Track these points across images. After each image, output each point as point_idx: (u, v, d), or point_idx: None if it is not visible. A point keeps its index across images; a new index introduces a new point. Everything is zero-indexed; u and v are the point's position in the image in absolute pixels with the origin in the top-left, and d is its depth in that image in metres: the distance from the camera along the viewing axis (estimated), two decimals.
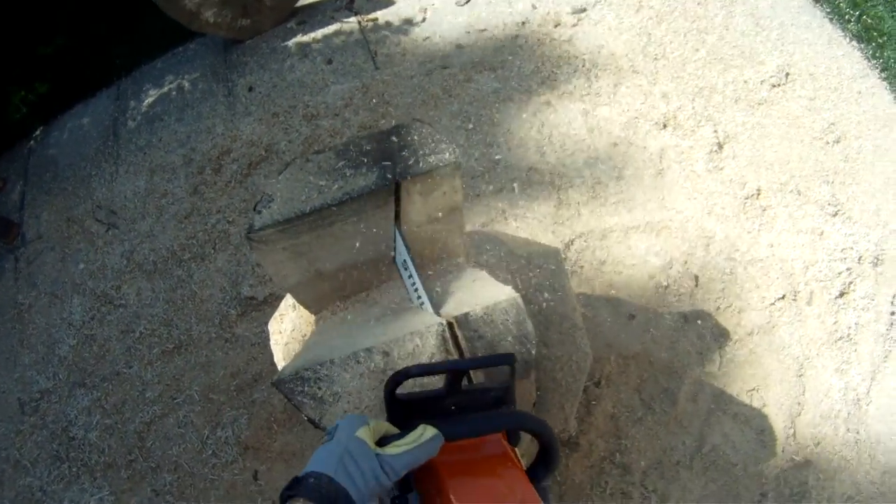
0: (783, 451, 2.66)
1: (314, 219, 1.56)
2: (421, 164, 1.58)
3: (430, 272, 1.73)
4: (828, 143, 3.32)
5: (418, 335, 1.34)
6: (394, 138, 1.66)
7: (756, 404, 2.75)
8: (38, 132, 4.80)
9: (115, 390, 3.45)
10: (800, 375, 2.80)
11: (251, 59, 4.54)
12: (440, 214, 1.64)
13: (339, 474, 0.91)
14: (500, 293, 1.39)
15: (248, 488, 3.01)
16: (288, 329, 2.31)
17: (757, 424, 2.72)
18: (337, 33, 4.48)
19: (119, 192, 4.21)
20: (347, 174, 1.61)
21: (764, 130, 3.40)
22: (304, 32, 4.56)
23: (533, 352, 1.33)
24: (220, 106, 4.38)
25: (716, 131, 3.42)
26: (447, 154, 1.57)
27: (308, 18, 4.63)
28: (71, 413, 3.44)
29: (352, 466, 0.92)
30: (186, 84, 4.61)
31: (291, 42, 4.54)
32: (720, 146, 3.38)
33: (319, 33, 4.52)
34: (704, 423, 2.73)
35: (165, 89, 4.65)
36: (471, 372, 1.34)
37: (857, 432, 2.71)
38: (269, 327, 2.45)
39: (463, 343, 1.34)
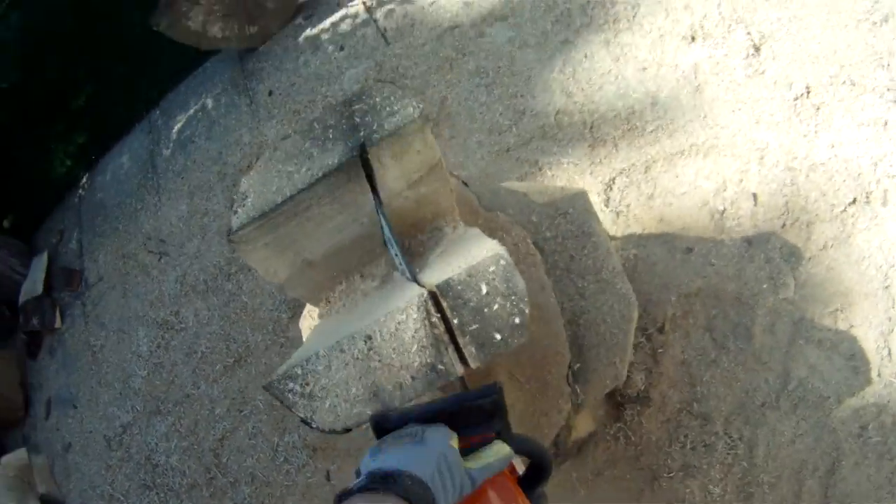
0: (879, 376, 2.33)
1: (289, 207, 1.45)
2: (386, 126, 1.43)
3: (422, 238, 1.58)
4: (875, 23, 2.87)
5: (399, 312, 1.21)
6: (356, 106, 1.52)
7: (842, 326, 2.43)
8: (84, 180, 4.99)
9: (187, 412, 3.52)
10: (886, 287, 2.43)
11: (267, 64, 4.50)
12: (419, 175, 1.49)
13: (434, 482, 0.85)
14: (483, 250, 1.23)
15: (322, 489, 2.99)
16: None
17: (846, 349, 2.39)
18: (344, 18, 4.36)
19: (165, 219, 4.30)
20: (314, 154, 1.49)
21: (802, 23, 3.00)
22: (313, 25, 4.47)
23: (526, 311, 1.16)
24: (244, 116, 4.37)
25: (749, 33, 3.06)
26: (410, 109, 1.42)
27: (314, 11, 4.53)
28: (151, 441, 3.55)
29: (446, 475, 0.88)
30: (210, 102, 4.64)
31: (302, 38, 4.47)
32: (757, 49, 3.02)
33: (327, 23, 4.41)
34: (787, 356, 2.44)
35: (192, 111, 4.69)
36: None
37: None
38: (301, 325, 2.39)
39: (448, 313, 1.19)
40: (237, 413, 3.37)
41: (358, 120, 1.48)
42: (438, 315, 1.20)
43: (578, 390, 1.80)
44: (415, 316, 1.20)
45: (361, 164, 1.44)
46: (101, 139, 5.04)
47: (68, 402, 4.09)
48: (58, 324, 4.43)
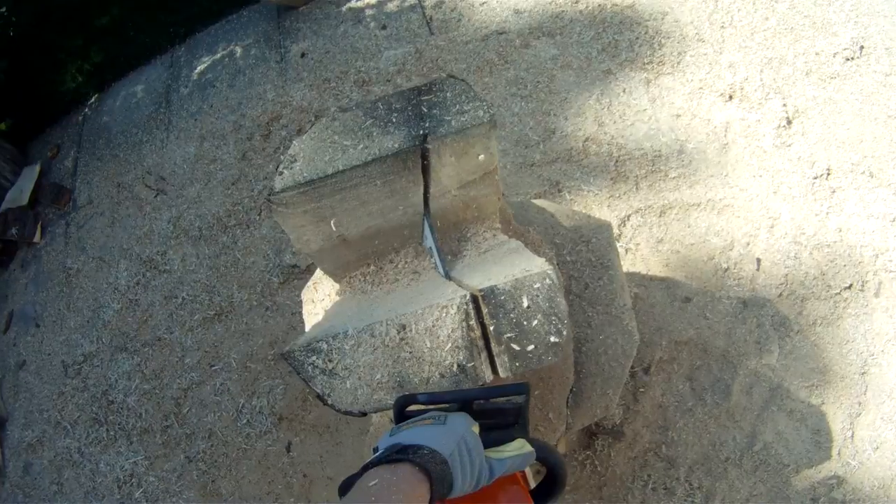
0: (839, 454, 2.42)
1: (338, 181, 1.46)
2: (453, 124, 1.44)
3: (459, 238, 1.60)
4: None
5: (438, 308, 1.22)
6: (425, 96, 1.53)
7: (815, 401, 2.52)
8: (92, 100, 4.89)
9: (155, 356, 3.48)
10: (863, 373, 2.53)
11: (304, 26, 4.47)
12: (474, 178, 1.51)
13: (453, 460, 0.87)
14: (532, 265, 1.25)
15: (280, 459, 2.99)
16: (321, 298, 2.22)
17: (813, 423, 2.48)
18: None
19: (169, 158, 4.24)
20: (374, 133, 1.50)
21: (836, 106, 3.09)
22: None
23: (564, 332, 1.19)
24: (271, 72, 4.34)
25: (785, 105, 3.14)
26: (481, 112, 1.43)
27: None
28: (112, 377, 3.50)
29: (465, 457, 0.90)
30: (239, 51, 4.59)
31: (345, 8, 4.45)
32: (789, 121, 3.11)
33: None
34: (758, 419, 2.52)
35: (218, 56, 4.64)
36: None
37: None
38: (303, 296, 2.37)
39: (486, 319, 1.21)
40: (207, 367, 3.34)
41: (425, 110, 1.49)
42: (477, 319, 1.22)
43: (569, 414, 1.83)
44: (454, 315, 1.22)
45: (420, 154, 1.45)
46: (118, 63, 4.94)
47: (31, 320, 4.00)
48: (37, 238, 4.33)
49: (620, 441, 2.56)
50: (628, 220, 3.06)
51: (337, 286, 1.74)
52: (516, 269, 1.28)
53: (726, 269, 2.87)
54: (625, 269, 2.93)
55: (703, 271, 2.89)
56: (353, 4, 4.43)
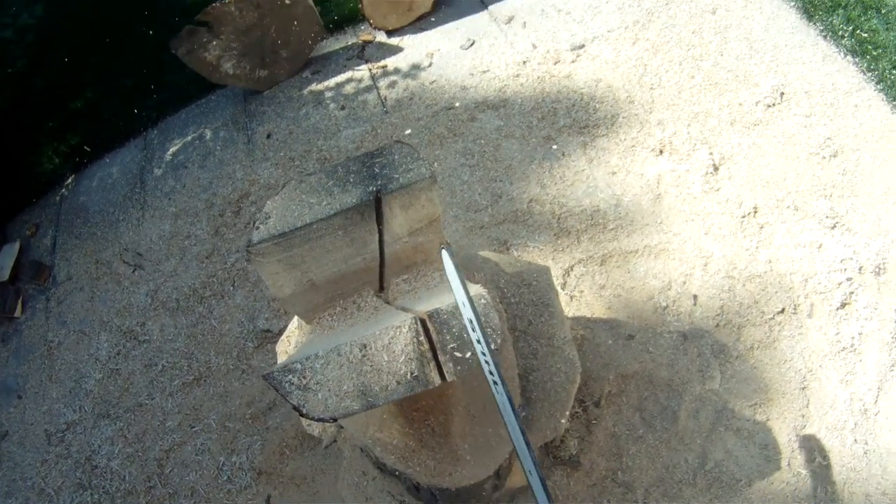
0: (789, 465, 2.65)
1: (305, 232, 1.71)
2: (401, 180, 1.72)
3: (409, 279, 1.85)
4: (824, 157, 3.40)
5: (393, 328, 1.46)
6: (377, 159, 1.81)
7: (759, 419, 2.76)
8: (69, 181, 5.09)
9: (137, 420, 3.59)
10: (803, 388, 2.80)
11: (269, 108, 4.81)
12: (421, 226, 1.78)
13: None
14: (470, 291, 1.50)
15: None
16: (293, 349, 2.44)
17: (760, 439, 2.72)
18: (349, 80, 4.75)
19: (145, 235, 4.44)
20: (335, 192, 1.76)
21: (760, 150, 3.49)
22: (319, 81, 4.84)
23: (499, 340, 1.43)
24: (240, 153, 4.63)
25: (711, 154, 3.53)
26: (423, 169, 1.72)
27: (322, 67, 4.91)
28: (95, 443, 3.59)
29: None
30: (209, 133, 4.90)
31: (306, 91, 4.82)
32: (716, 168, 3.48)
33: (333, 81, 4.79)
34: (707, 440, 2.75)
35: (189, 138, 4.93)
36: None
37: (866, 443, 2.70)
38: (277, 348, 2.59)
39: (433, 335, 1.46)
40: (188, 428, 3.47)
41: (377, 171, 1.77)
42: (426, 335, 1.46)
43: None
44: (406, 333, 1.46)
45: (374, 206, 1.72)
46: (94, 146, 5.18)
47: (13, 392, 4.06)
48: (17, 313, 4.42)
49: (578, 470, 2.75)
50: (572, 269, 3.35)
51: (307, 329, 1.97)
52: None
53: (665, 307, 3.15)
54: (570, 314, 3.20)
55: (643, 310, 3.17)
56: (313, 87, 4.80)
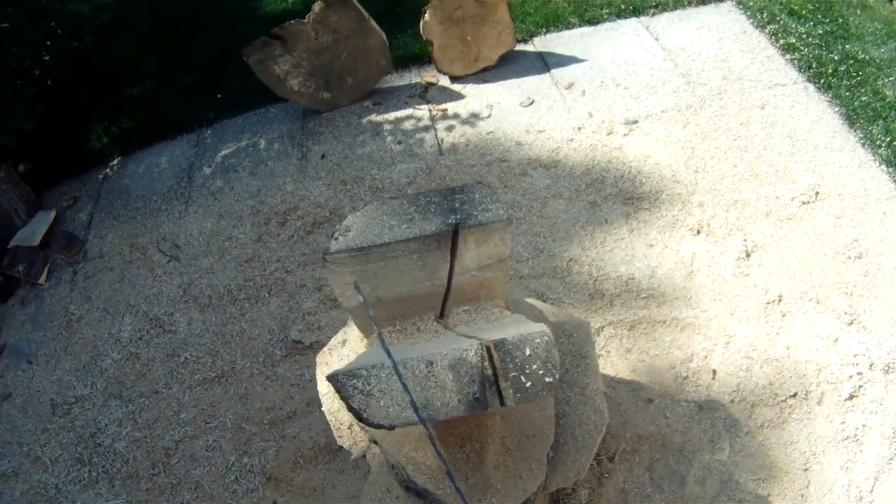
0: None
1: (382, 250, 1.84)
2: (479, 217, 1.86)
3: (469, 310, 1.98)
4: (850, 258, 3.55)
5: (460, 351, 1.58)
6: (458, 195, 1.96)
7: (762, 493, 2.85)
8: (115, 162, 5.26)
9: (150, 407, 3.66)
10: (805, 469, 2.90)
11: (326, 130, 5.01)
12: (490, 262, 1.91)
13: None
14: (535, 327, 1.63)
15: None
16: (335, 362, 2.55)
17: None
18: (408, 117, 4.95)
19: (185, 229, 4.59)
20: (415, 218, 1.91)
21: (790, 243, 3.65)
22: (379, 113, 5.05)
23: (556, 375, 1.55)
24: (292, 167, 4.81)
25: (745, 240, 3.68)
26: (501, 212, 1.86)
27: (383, 101, 5.13)
28: (102, 421, 3.65)
29: None
30: (263, 143, 5.09)
31: (365, 120, 5.02)
32: (748, 254, 3.63)
33: (392, 115, 5.00)
34: None
35: (243, 144, 5.13)
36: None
37: None
38: (318, 359, 2.70)
39: (497, 363, 1.57)
40: (202, 423, 3.54)
41: (457, 205, 1.91)
42: (490, 362, 1.58)
43: (548, 472, 2.13)
44: (472, 356, 1.57)
45: (451, 238, 1.86)
46: (145, 133, 5.38)
47: (24, 356, 4.12)
48: (42, 280, 4.50)
49: None
50: (602, 330, 3.47)
51: (353, 352, 2.09)
52: (520, 329, 1.65)
53: (685, 377, 3.26)
54: None
55: (665, 377, 3.28)
56: (372, 118, 5.01)
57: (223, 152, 5.12)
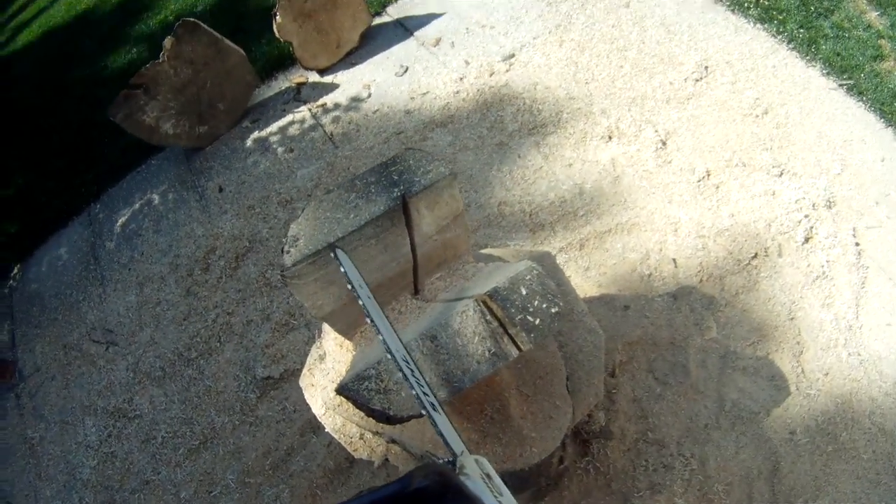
0: (797, 389, 2.86)
1: (339, 246, 1.75)
2: (422, 181, 1.79)
3: (448, 277, 1.92)
4: (757, 116, 3.70)
5: (458, 314, 1.52)
6: (392, 167, 1.87)
7: (760, 354, 2.96)
8: (15, 271, 4.88)
9: (147, 499, 3.44)
10: (791, 319, 3.03)
11: (215, 163, 4.77)
12: (447, 222, 1.84)
13: None
14: (519, 266, 1.58)
15: None
16: (320, 379, 2.44)
17: (767, 372, 2.91)
18: (291, 123, 4.77)
19: (111, 310, 4.29)
20: (360, 204, 1.81)
21: (699, 120, 3.76)
22: (260, 129, 4.84)
23: (561, 304, 1.51)
24: (194, 210, 4.56)
25: (656, 131, 3.76)
26: (442, 168, 1.79)
27: (261, 115, 4.92)
28: None
29: None
30: (156, 197, 4.80)
31: (249, 140, 4.80)
32: (664, 143, 3.71)
33: (275, 126, 4.80)
34: (719, 384, 2.91)
35: (137, 206, 4.81)
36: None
37: (859, 354, 2.94)
38: (301, 383, 2.57)
39: (499, 312, 1.52)
40: (206, 494, 3.35)
41: (396, 177, 1.83)
42: (491, 314, 1.53)
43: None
44: (472, 315, 1.52)
45: (402, 210, 1.78)
46: (34, 231, 5.00)
47: (1, 501, 3.82)
48: None
49: (611, 440, 2.85)
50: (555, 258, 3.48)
51: (337, 365, 1.99)
52: (507, 273, 1.61)
53: (650, 275, 3.32)
54: None
55: (631, 282, 3.33)
56: (256, 135, 4.80)
57: (119, 221, 4.80)
